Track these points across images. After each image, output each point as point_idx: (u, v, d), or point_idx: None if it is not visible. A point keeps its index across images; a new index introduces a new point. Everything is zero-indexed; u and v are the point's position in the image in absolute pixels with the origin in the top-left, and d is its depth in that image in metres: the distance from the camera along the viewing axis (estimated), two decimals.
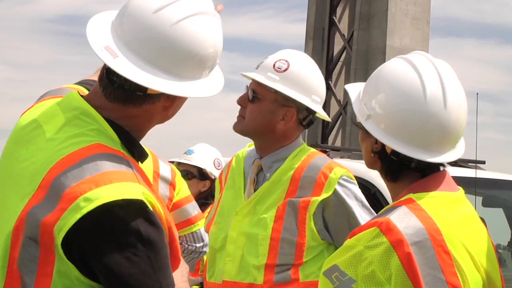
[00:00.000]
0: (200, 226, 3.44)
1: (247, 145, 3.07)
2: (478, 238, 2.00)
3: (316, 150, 2.98)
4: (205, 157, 4.43)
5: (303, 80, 2.86)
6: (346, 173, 2.85)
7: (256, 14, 35.61)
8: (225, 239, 2.86)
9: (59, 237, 1.55)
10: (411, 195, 1.94)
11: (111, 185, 1.57)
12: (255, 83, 2.86)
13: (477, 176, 3.12)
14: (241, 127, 2.88)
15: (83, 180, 1.57)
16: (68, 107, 1.73)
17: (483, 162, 5.12)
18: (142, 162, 1.77)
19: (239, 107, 2.93)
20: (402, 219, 1.86)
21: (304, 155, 2.88)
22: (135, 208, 1.58)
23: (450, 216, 1.94)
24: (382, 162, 2.01)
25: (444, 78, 1.95)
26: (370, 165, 2.07)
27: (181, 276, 1.69)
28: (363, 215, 2.83)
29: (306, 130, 14.50)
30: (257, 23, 34.39)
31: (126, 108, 1.70)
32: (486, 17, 34.21)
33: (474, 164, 4.60)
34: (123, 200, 1.56)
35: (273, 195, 2.80)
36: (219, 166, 4.41)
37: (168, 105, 1.72)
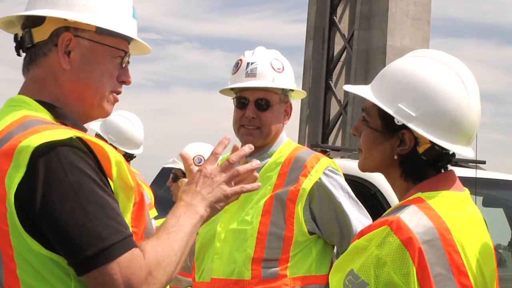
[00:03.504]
0: None
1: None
2: (482, 239, 1.99)
3: (300, 145, 3.03)
4: None
5: (291, 70, 2.99)
6: (332, 164, 2.87)
7: (255, 14, 35.62)
8: (213, 237, 2.87)
9: (10, 200, 1.56)
10: (419, 194, 1.92)
11: (38, 134, 1.60)
12: (262, 91, 2.87)
13: (477, 176, 3.12)
14: (260, 138, 2.88)
15: (13, 140, 1.61)
16: (4, 108, 1.79)
17: (483, 162, 5.12)
18: None
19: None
20: (412, 218, 1.84)
21: (290, 150, 2.91)
22: (67, 146, 1.59)
23: (459, 215, 1.93)
24: (407, 163, 1.96)
25: (469, 79, 1.98)
26: (383, 168, 2.01)
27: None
28: (349, 206, 2.83)
29: (307, 130, 14.29)
30: (257, 23, 34.40)
31: (33, 74, 1.78)
32: (486, 17, 34.23)
33: (474, 164, 4.61)
34: (52, 142, 1.58)
35: (261, 191, 2.80)
36: (199, 162, 4.46)
37: (62, 53, 1.76)
